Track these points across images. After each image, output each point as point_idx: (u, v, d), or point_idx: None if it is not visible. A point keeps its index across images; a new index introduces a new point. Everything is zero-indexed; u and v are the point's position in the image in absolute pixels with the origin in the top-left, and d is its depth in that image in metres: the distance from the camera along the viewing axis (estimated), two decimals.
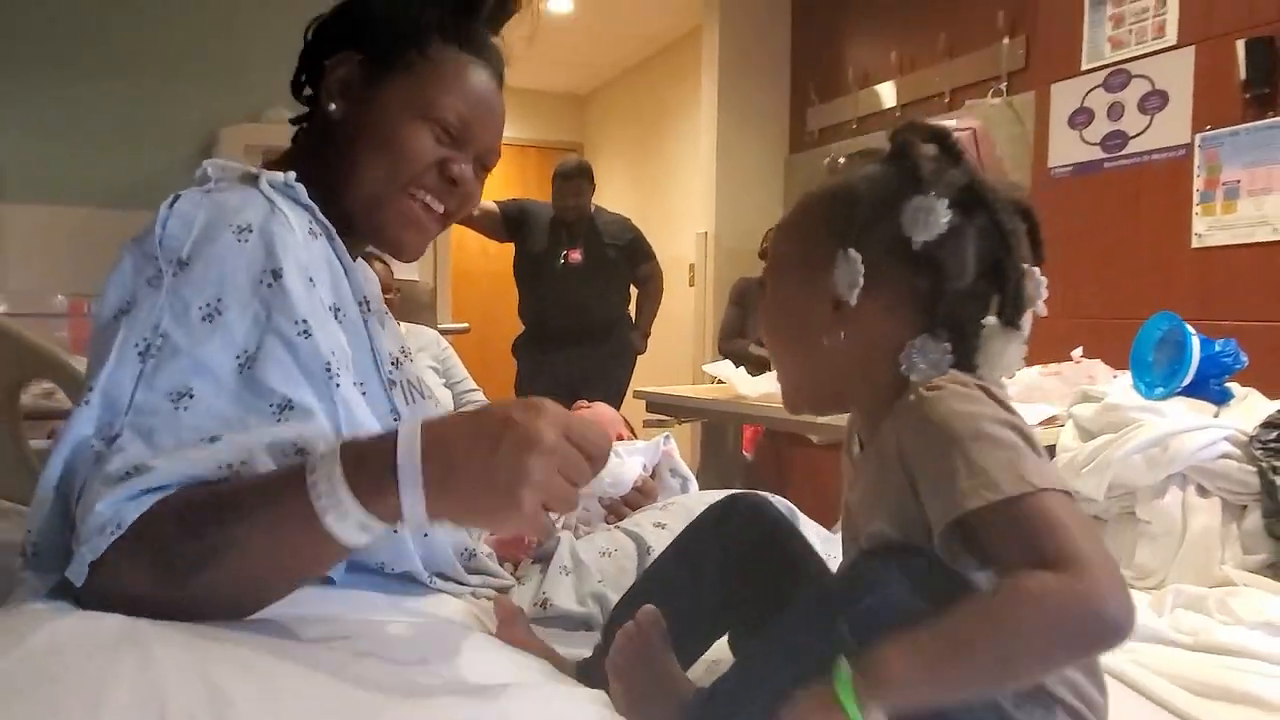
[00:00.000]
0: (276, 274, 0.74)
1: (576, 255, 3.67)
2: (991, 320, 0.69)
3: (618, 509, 1.26)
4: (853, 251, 0.69)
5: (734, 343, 3.82)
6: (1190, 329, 1.50)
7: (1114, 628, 0.55)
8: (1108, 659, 1.00)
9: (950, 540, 0.62)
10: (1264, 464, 1.27)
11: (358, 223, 0.88)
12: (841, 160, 0.82)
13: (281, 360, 0.71)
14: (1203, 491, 1.32)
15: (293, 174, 0.82)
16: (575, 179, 3.65)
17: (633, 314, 3.91)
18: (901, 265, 0.69)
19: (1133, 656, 1.02)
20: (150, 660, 0.50)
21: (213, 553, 0.63)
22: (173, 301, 0.71)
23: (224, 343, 0.71)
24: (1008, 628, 0.55)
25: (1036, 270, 0.71)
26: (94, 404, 0.67)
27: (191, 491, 0.65)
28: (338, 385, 0.74)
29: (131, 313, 0.71)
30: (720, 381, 2.38)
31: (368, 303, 0.85)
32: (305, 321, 0.74)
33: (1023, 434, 0.62)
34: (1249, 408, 1.45)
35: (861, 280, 0.68)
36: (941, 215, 0.67)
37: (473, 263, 5.62)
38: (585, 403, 1.50)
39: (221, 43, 3.04)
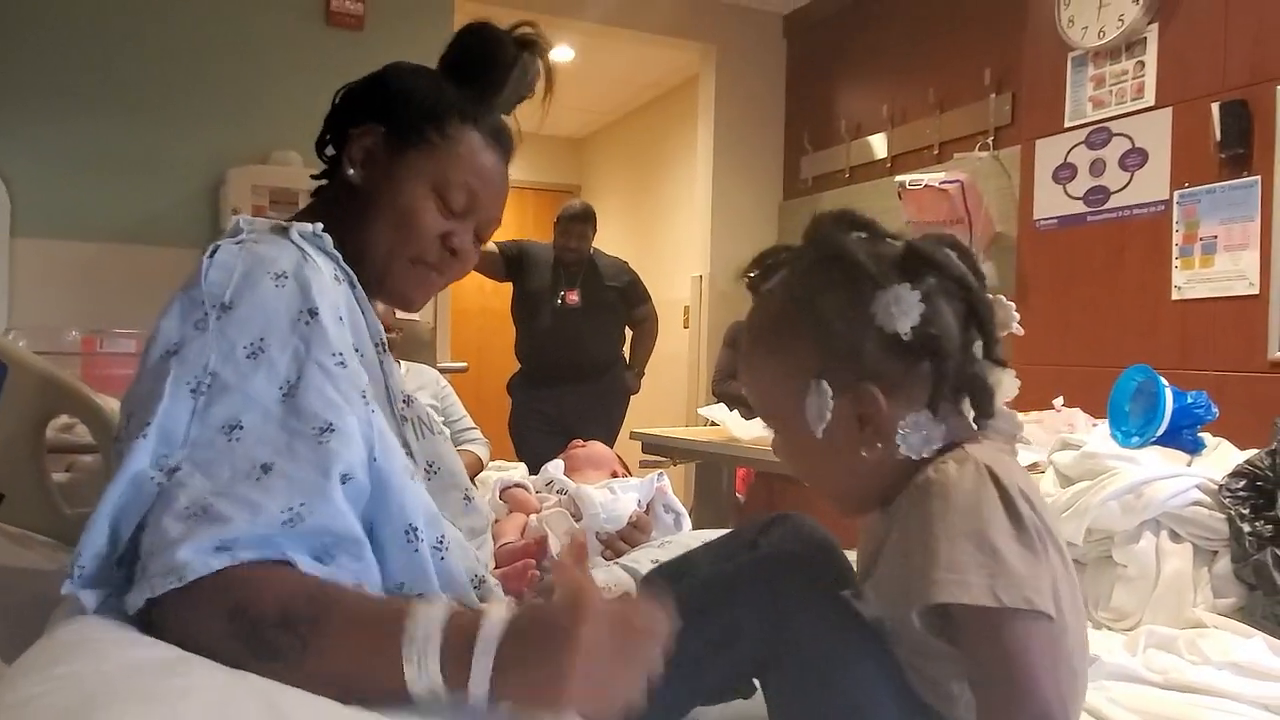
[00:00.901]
0: (313, 313, 0.80)
1: (574, 296, 3.73)
2: (980, 360, 0.72)
3: (614, 545, 1.31)
4: (823, 383, 0.71)
5: (728, 384, 3.88)
6: (1164, 381, 1.57)
7: None
8: (1088, 701, 1.06)
9: (927, 616, 0.68)
10: (1232, 511, 1.33)
11: (368, 277, 0.95)
12: (754, 275, 0.80)
13: (321, 388, 0.77)
14: (1175, 537, 1.38)
15: (320, 225, 0.90)
16: (581, 223, 3.71)
17: (628, 355, 3.96)
18: (897, 359, 0.71)
19: (1107, 694, 1.07)
20: (217, 682, 0.55)
21: (296, 650, 0.65)
22: (219, 342, 0.77)
23: (268, 376, 0.76)
24: None
25: (1001, 297, 0.74)
26: (150, 438, 0.72)
27: (299, 583, 0.67)
28: (374, 411, 0.81)
29: (180, 353, 0.76)
30: (715, 424, 2.43)
31: (382, 344, 0.93)
32: (340, 354, 0.81)
33: (1019, 537, 0.64)
34: (1220, 457, 1.51)
35: (829, 414, 0.71)
36: (913, 298, 0.69)
37: (469, 300, 5.69)
38: (581, 441, 1.55)
39: (232, 85, 3.13)
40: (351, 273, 0.91)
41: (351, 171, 0.96)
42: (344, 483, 0.74)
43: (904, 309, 0.69)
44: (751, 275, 0.81)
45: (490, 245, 3.80)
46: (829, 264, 0.74)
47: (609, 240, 4.14)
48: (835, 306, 0.72)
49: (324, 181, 1.03)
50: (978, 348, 0.75)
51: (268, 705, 0.54)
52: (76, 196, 3.00)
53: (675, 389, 4.71)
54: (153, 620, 0.68)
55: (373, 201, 0.95)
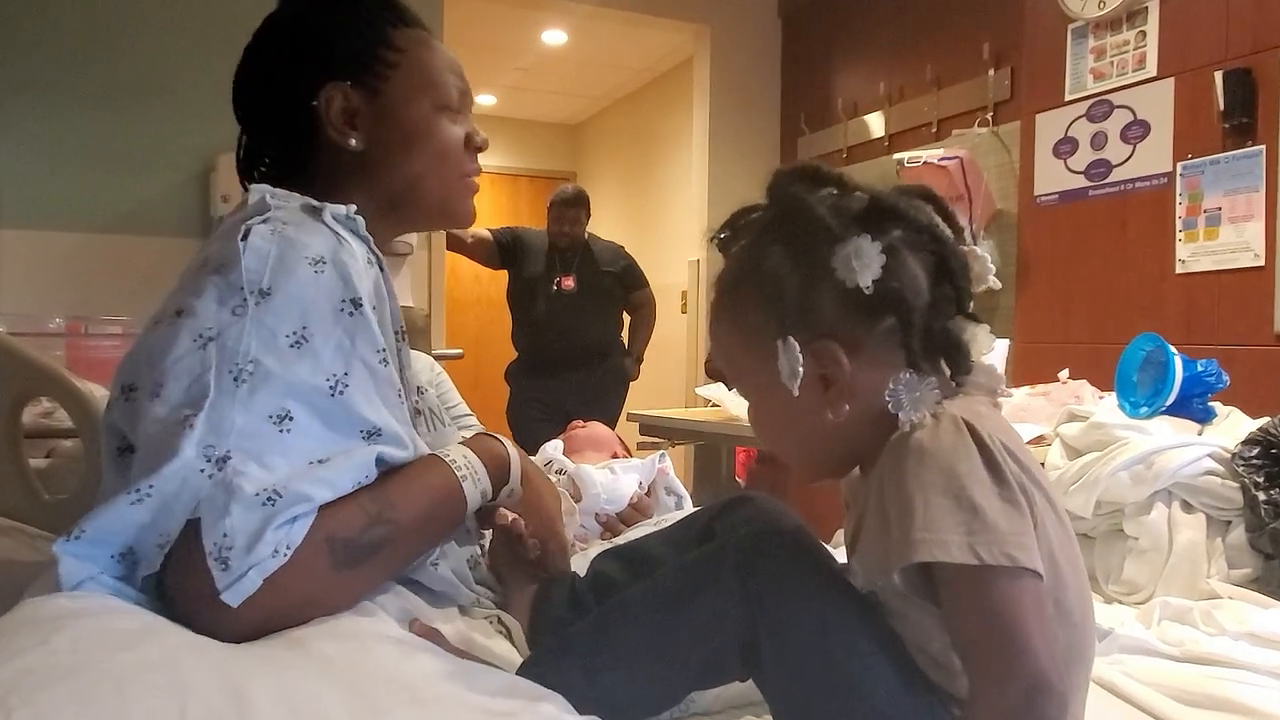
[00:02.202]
0: (356, 303, 0.78)
1: (570, 282, 3.70)
2: (954, 320, 0.69)
3: (613, 526, 1.28)
4: (790, 340, 0.68)
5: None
6: (1173, 349, 1.54)
7: (1059, 711, 0.60)
8: (1099, 670, 1.02)
9: (910, 578, 0.64)
10: (1246, 480, 1.30)
11: (427, 211, 0.94)
12: (722, 236, 0.77)
13: (367, 388, 0.77)
14: (1188, 507, 1.34)
15: (353, 207, 0.85)
16: (574, 207, 3.69)
17: (626, 340, 3.93)
18: (859, 316, 0.68)
19: (1122, 668, 1.04)
20: (173, 656, 0.52)
21: (392, 530, 0.76)
22: (259, 330, 0.74)
23: (313, 368, 0.75)
24: None
25: (976, 248, 0.71)
26: (198, 428, 0.70)
27: (359, 489, 0.75)
28: (409, 409, 0.83)
29: (219, 340, 0.74)
30: (713, 404, 2.40)
31: (401, 332, 0.89)
32: (384, 350, 0.79)
33: (999, 494, 0.61)
34: (1232, 426, 1.48)
35: (801, 369, 0.67)
36: (873, 250, 0.66)
37: (465, 290, 5.66)
38: (581, 422, 1.52)
39: (221, 70, 3.05)
40: (381, 256, 0.87)
41: (352, 141, 0.90)
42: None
43: (864, 262, 0.66)
44: (721, 236, 0.78)
45: (484, 232, 3.78)
46: (786, 219, 0.70)
47: (605, 226, 4.11)
48: (792, 262, 0.69)
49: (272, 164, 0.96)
50: (950, 304, 0.71)
51: (222, 678, 0.50)
52: (62, 186, 2.95)
53: (674, 374, 4.68)
54: (246, 611, 0.68)
55: (388, 152, 0.91)
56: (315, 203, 0.84)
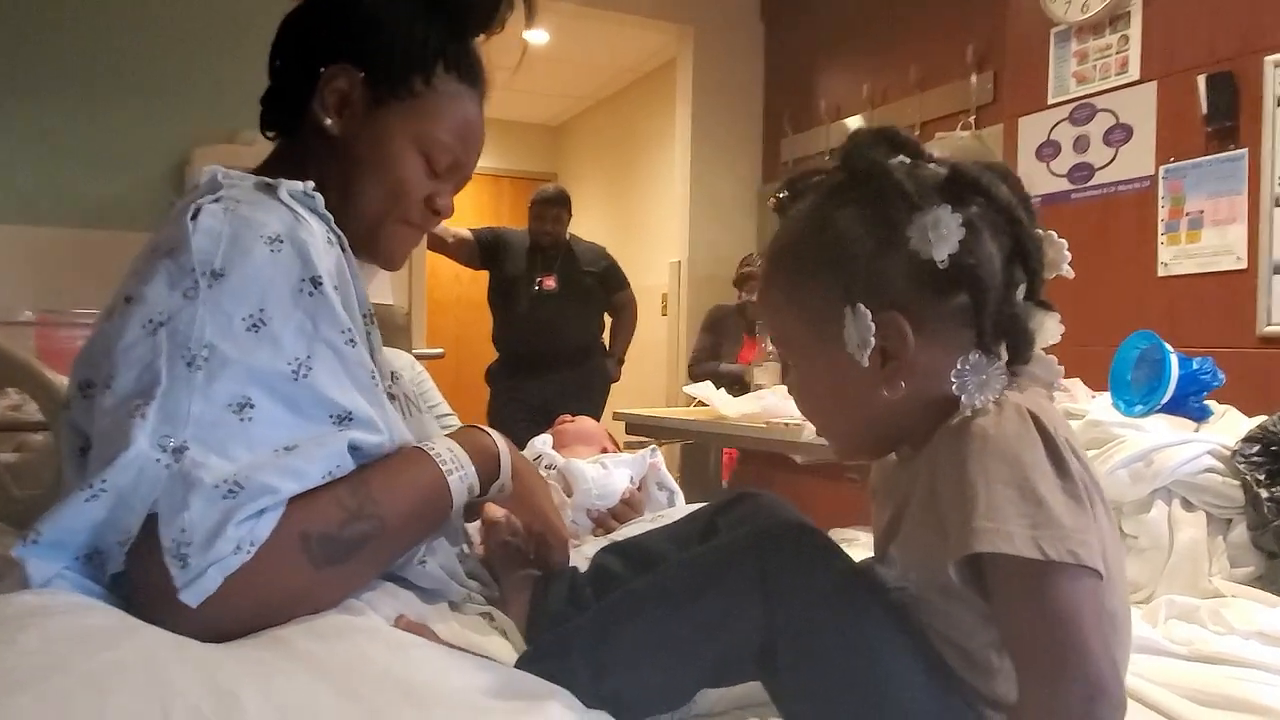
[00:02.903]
0: (316, 282, 0.74)
1: (551, 282, 3.66)
2: (1023, 303, 0.65)
3: (605, 522, 1.25)
4: (860, 307, 0.64)
5: (704, 366, 3.83)
6: (1168, 347, 1.52)
7: (1118, 716, 0.57)
8: None
9: (961, 570, 0.61)
10: (1248, 477, 1.28)
11: (353, 237, 0.87)
12: (782, 196, 0.74)
13: (334, 370, 0.73)
14: (1188, 505, 1.33)
15: (311, 184, 0.82)
16: (555, 206, 3.66)
17: (607, 342, 3.90)
18: (930, 291, 0.64)
19: (1131, 668, 1.01)
20: (153, 656, 0.47)
21: (376, 525, 0.72)
22: (213, 313, 0.70)
23: (273, 352, 0.70)
24: None
25: (1052, 233, 0.67)
26: (150, 418, 0.65)
27: (329, 485, 0.71)
28: (383, 393, 0.77)
29: (171, 324, 0.69)
30: (700, 404, 2.37)
31: (369, 315, 0.85)
32: (349, 330, 0.75)
33: (1064, 489, 0.59)
34: (1229, 424, 1.47)
35: (874, 339, 0.64)
36: (953, 222, 0.62)
37: (445, 290, 5.60)
38: (569, 417, 1.48)
39: (196, 64, 3.00)
40: (343, 236, 0.83)
41: (328, 121, 0.87)
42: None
43: (942, 234, 0.62)
44: (779, 196, 0.74)
45: (465, 232, 3.73)
46: (861, 183, 0.66)
47: (586, 228, 4.08)
48: (865, 226, 0.65)
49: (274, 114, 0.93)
50: (1021, 288, 0.67)
51: (206, 679, 0.46)
52: (35, 180, 2.87)
53: (654, 376, 4.65)
54: (209, 610, 0.63)
55: (354, 157, 0.87)
56: (270, 180, 0.80)
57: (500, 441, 0.86)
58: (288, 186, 0.79)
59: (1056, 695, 0.56)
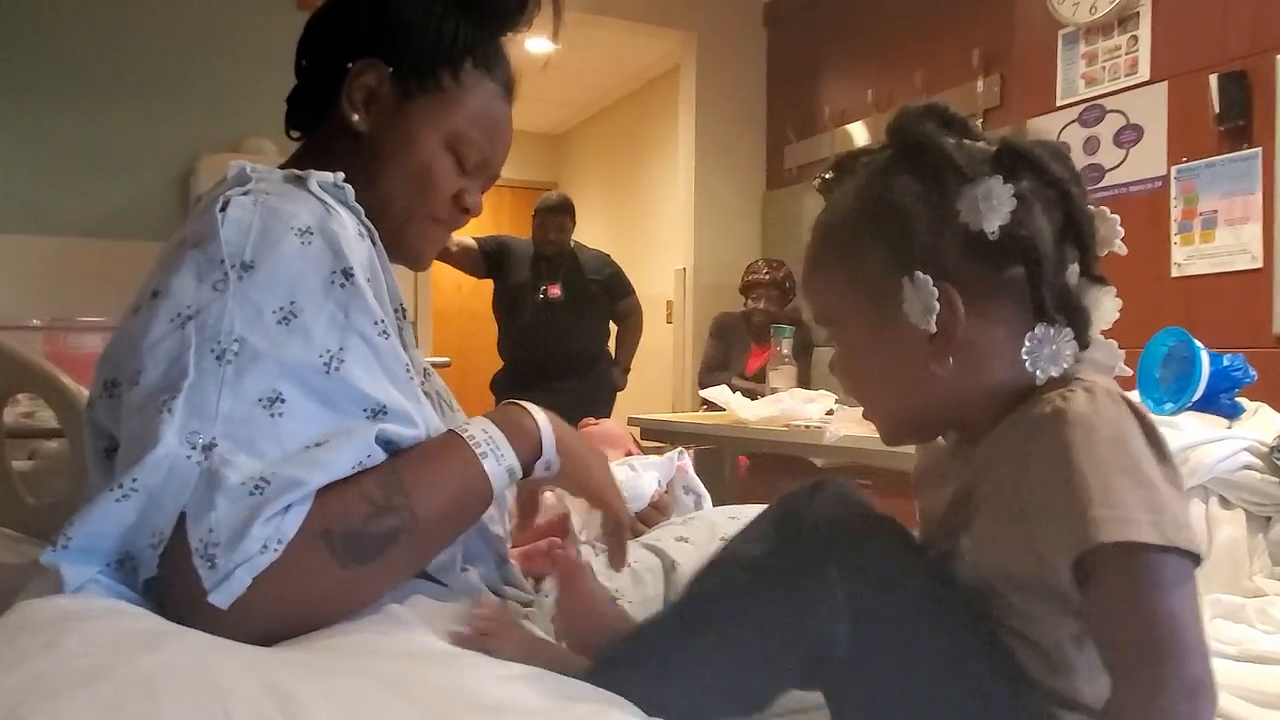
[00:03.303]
0: (348, 273, 0.72)
1: (556, 290, 3.65)
2: (1075, 279, 0.64)
3: (634, 526, 1.21)
4: (919, 274, 0.62)
5: (714, 375, 3.80)
6: (1198, 343, 1.50)
7: (1210, 713, 0.55)
8: None
9: (1076, 569, 0.57)
10: None
11: (381, 234, 0.85)
12: (828, 176, 0.74)
13: (368, 362, 0.70)
14: (1225, 503, 1.30)
15: (341, 175, 0.80)
16: (559, 214, 3.65)
17: (613, 350, 3.88)
18: (983, 264, 0.63)
19: None
20: (201, 657, 0.44)
21: (407, 519, 0.68)
22: (243, 305, 0.68)
23: (305, 344, 0.68)
24: None
25: (1104, 209, 0.66)
26: (178, 413, 0.63)
27: (354, 477, 0.67)
28: (418, 386, 0.75)
29: (199, 318, 0.67)
30: (711, 409, 2.35)
31: (402, 309, 0.83)
32: (383, 321, 0.73)
33: (1166, 475, 0.57)
34: (1262, 421, 1.45)
35: (937, 303, 0.62)
36: (1004, 192, 0.61)
37: (448, 301, 5.58)
38: (593, 420, 1.45)
39: (201, 72, 2.99)
40: (374, 229, 0.81)
41: (356, 117, 0.85)
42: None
43: (994, 205, 0.61)
44: (825, 177, 0.73)
45: (469, 241, 3.72)
46: (911, 155, 0.65)
47: (589, 237, 4.06)
48: (918, 197, 0.64)
49: (301, 111, 0.92)
50: (1074, 269, 0.66)
51: (262, 680, 0.43)
52: (39, 190, 2.86)
53: (659, 384, 4.63)
54: (240, 612, 0.61)
55: (381, 152, 0.86)
56: (299, 172, 0.78)
57: (540, 416, 0.80)
58: (318, 178, 0.78)
59: (1161, 693, 0.53)
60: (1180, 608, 0.54)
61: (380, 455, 0.69)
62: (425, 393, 0.83)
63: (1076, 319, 0.63)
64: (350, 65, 0.85)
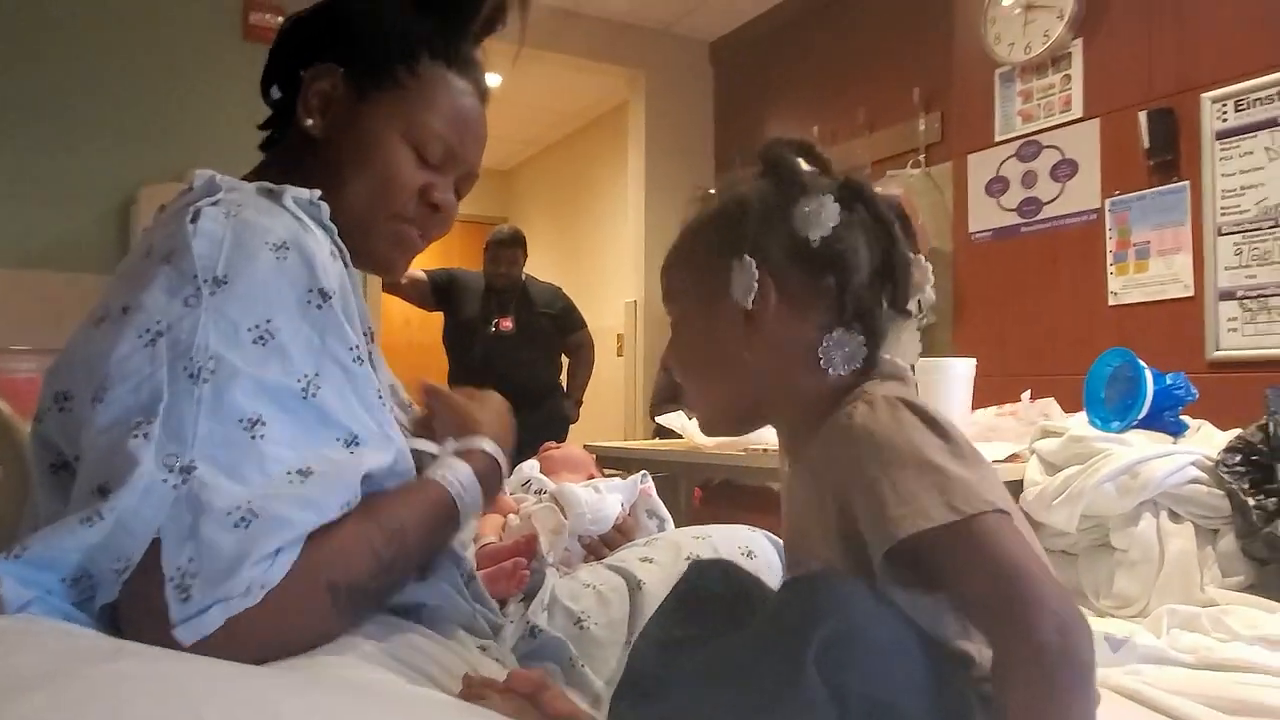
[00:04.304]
0: (324, 294, 0.70)
1: (508, 323, 3.63)
2: (886, 309, 0.72)
3: (597, 549, 1.20)
4: (746, 257, 0.71)
5: (665, 408, 3.79)
6: (1142, 363, 1.55)
7: (1088, 639, 0.57)
8: (1121, 681, 0.98)
9: (892, 567, 0.61)
10: (1233, 486, 1.30)
11: (343, 241, 0.82)
12: (710, 191, 0.83)
13: (342, 389, 0.70)
14: (1175, 517, 1.34)
15: (318, 192, 0.78)
16: (510, 247, 3.64)
17: (564, 383, 3.86)
18: (803, 266, 0.71)
19: (1141, 677, 1.00)
20: (163, 667, 0.42)
21: (411, 569, 0.73)
22: (217, 321, 0.65)
23: (283, 366, 0.66)
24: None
25: (920, 257, 0.74)
26: (154, 437, 0.61)
27: (362, 528, 0.68)
28: (389, 412, 0.74)
29: (171, 334, 0.65)
30: (663, 435, 2.34)
31: (370, 333, 0.81)
32: (357, 347, 0.72)
33: (948, 449, 0.62)
34: (1205, 437, 1.49)
35: (756, 284, 0.70)
36: (831, 210, 0.70)
37: (396, 335, 5.50)
38: (555, 444, 1.44)
39: (143, 101, 2.93)
40: (345, 250, 0.78)
41: (310, 122, 0.83)
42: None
43: (820, 218, 0.70)
44: (703, 192, 0.81)
45: (419, 273, 3.68)
46: (769, 170, 0.75)
47: (539, 269, 4.06)
48: (760, 198, 0.73)
49: (270, 132, 0.91)
50: (886, 293, 0.73)
51: (233, 688, 0.41)
52: None
53: (611, 417, 4.61)
54: (202, 649, 0.58)
55: (338, 156, 0.83)
56: (274, 186, 0.76)
57: (503, 464, 0.88)
58: (293, 194, 0.75)
59: (1031, 637, 0.55)
60: (1006, 553, 0.57)
61: (358, 494, 0.68)
62: (397, 419, 0.82)
63: (870, 331, 0.71)
64: (304, 73, 0.84)
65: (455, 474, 0.78)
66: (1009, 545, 0.58)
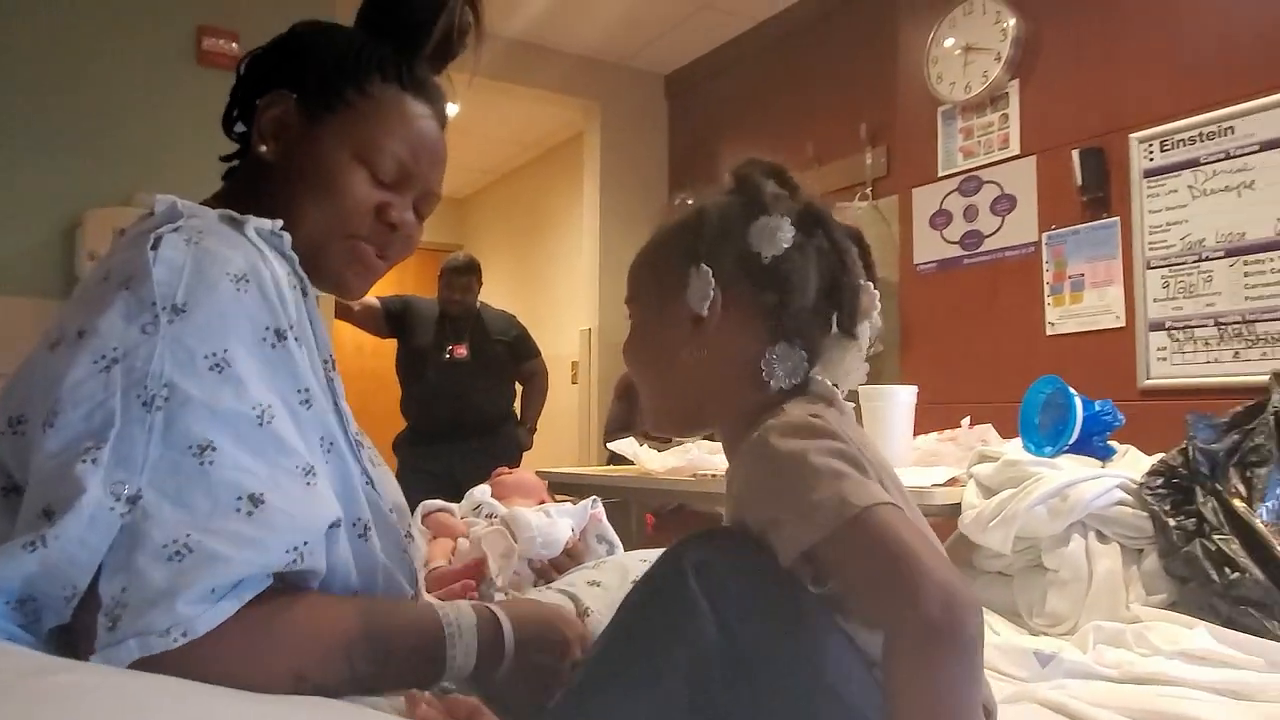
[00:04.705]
0: (280, 334, 0.71)
1: (462, 350, 3.62)
2: (832, 331, 0.75)
3: (546, 573, 1.21)
4: (704, 266, 0.75)
5: (619, 434, 3.82)
6: (1072, 390, 1.62)
7: (975, 616, 0.59)
8: (1049, 695, 1.02)
9: (799, 571, 0.66)
10: (1155, 508, 1.36)
11: (303, 264, 0.83)
12: (689, 201, 0.86)
13: (288, 427, 0.69)
14: (1102, 538, 1.39)
15: (279, 222, 0.78)
16: (465, 274, 3.64)
17: (518, 410, 3.86)
18: (752, 281, 0.75)
19: (1069, 692, 1.05)
20: (111, 680, 0.43)
21: (373, 679, 0.70)
22: (174, 349, 0.65)
23: (237, 394, 0.66)
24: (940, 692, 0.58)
25: (870, 285, 0.78)
26: (103, 463, 0.61)
27: (342, 618, 0.68)
28: (330, 454, 0.74)
29: (126, 361, 0.64)
30: (616, 461, 2.36)
31: (331, 361, 0.81)
32: (306, 390, 0.72)
33: (847, 458, 0.66)
34: (1131, 462, 1.56)
35: (713, 292, 0.74)
36: (786, 232, 0.74)
37: (348, 362, 5.45)
38: (507, 469, 1.45)
39: (90, 123, 2.89)
40: (306, 279, 0.79)
41: (264, 148, 0.84)
42: (334, 526, 0.69)
43: (774, 237, 0.73)
44: (679, 200, 0.85)
45: (372, 299, 3.67)
46: (736, 189, 0.79)
47: (494, 297, 4.07)
48: (721, 214, 0.77)
49: (233, 162, 0.92)
50: (834, 316, 0.77)
51: (183, 703, 0.42)
52: None
53: (565, 445, 4.62)
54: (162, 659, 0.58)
55: (291, 179, 0.83)
56: (237, 215, 0.76)
57: (510, 639, 0.79)
58: (255, 224, 0.76)
59: (916, 615, 0.57)
60: (893, 536, 0.61)
61: (320, 547, 0.67)
62: (359, 443, 0.81)
63: (811, 349, 0.76)
64: (259, 101, 0.85)
65: (461, 637, 0.76)
66: (898, 530, 0.61)
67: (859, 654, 0.67)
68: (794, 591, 0.67)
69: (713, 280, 0.74)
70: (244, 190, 0.86)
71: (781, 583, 0.67)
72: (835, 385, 0.79)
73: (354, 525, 0.74)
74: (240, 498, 0.63)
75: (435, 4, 0.88)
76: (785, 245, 0.73)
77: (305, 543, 0.65)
